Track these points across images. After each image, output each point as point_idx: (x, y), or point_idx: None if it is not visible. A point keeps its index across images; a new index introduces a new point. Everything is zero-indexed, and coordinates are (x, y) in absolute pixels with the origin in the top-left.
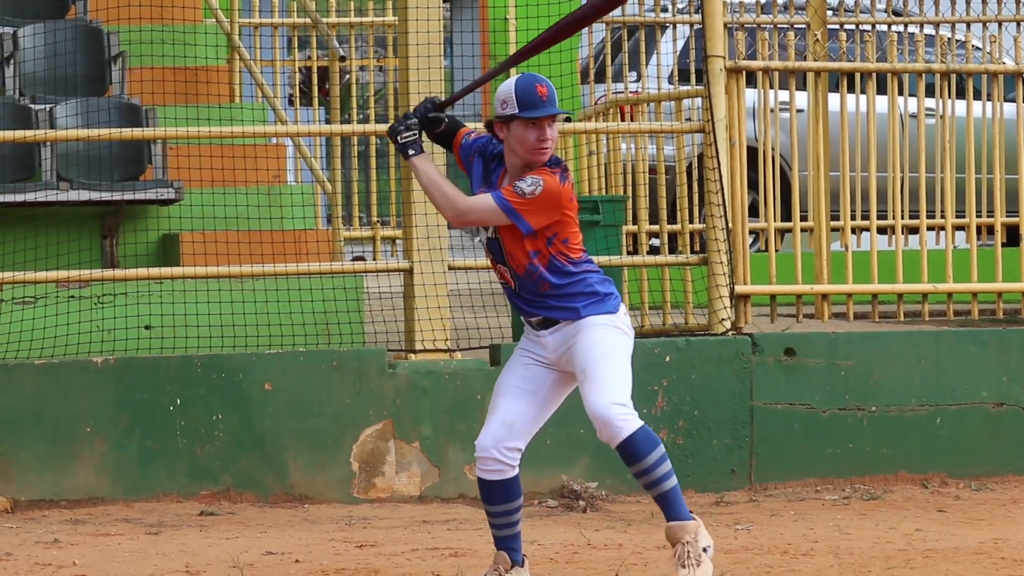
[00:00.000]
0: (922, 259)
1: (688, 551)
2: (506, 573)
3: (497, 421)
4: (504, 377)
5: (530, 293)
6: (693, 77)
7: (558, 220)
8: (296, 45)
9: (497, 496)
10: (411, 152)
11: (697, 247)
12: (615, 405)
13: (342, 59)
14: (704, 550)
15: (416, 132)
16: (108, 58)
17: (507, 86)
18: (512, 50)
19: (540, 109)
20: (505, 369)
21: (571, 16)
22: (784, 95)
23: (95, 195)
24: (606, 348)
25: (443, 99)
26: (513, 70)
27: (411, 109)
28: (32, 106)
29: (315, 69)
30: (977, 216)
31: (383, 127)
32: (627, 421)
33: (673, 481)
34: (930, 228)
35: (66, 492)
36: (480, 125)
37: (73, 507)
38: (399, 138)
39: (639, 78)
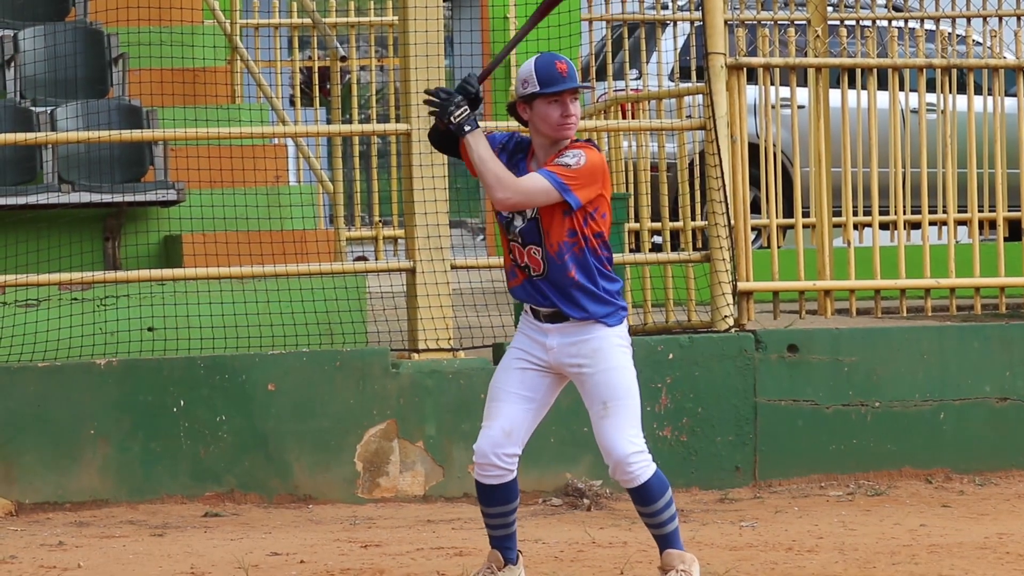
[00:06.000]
0: (924, 254)
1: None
2: (499, 571)
3: (496, 428)
4: (501, 380)
5: (554, 278)
6: (694, 74)
7: (599, 194)
8: (296, 45)
9: (494, 499)
10: (467, 128)
11: (699, 244)
12: (636, 453)
13: (343, 59)
14: None
15: (467, 108)
16: (109, 60)
17: (527, 66)
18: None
19: (560, 84)
20: (501, 371)
21: None
22: (785, 91)
23: (96, 197)
24: (627, 382)
25: (479, 75)
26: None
27: (442, 89)
28: (33, 109)
29: (316, 69)
30: (979, 211)
31: (384, 127)
32: (644, 467)
33: (676, 522)
34: (932, 223)
35: (70, 495)
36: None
37: (77, 509)
38: (453, 118)
39: (640, 76)
